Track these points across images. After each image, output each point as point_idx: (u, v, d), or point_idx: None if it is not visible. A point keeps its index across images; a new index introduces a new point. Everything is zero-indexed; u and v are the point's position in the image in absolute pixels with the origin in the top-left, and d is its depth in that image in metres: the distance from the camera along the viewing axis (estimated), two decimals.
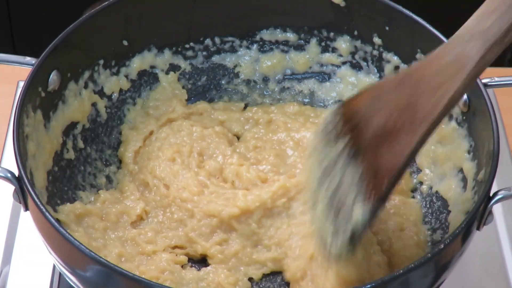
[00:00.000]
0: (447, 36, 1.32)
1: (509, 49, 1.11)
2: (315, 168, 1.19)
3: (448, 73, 1.08)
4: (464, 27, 1.09)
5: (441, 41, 1.32)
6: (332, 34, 1.50)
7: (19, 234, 1.41)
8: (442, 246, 1.10)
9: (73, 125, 1.40)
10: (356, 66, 1.51)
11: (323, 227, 1.17)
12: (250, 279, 1.32)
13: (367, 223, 1.12)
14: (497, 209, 1.46)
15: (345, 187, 1.14)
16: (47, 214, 1.11)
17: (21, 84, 1.26)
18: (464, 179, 1.30)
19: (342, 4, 1.45)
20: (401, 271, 1.07)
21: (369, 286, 1.06)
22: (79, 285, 1.16)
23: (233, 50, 1.54)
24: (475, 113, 1.29)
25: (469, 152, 1.31)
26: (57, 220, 1.14)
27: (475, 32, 1.07)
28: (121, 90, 1.49)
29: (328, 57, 1.52)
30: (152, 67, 1.51)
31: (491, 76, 1.32)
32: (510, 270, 1.39)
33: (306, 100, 1.55)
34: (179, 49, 1.52)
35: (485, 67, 1.07)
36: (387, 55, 1.46)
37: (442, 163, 1.38)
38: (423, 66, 1.12)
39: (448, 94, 1.08)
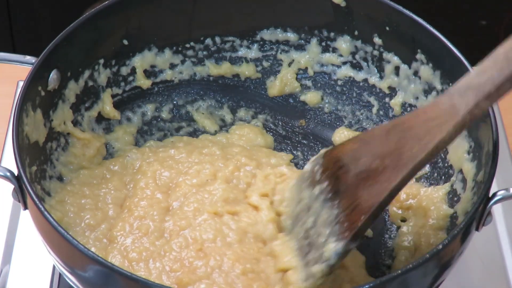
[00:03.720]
0: (447, 37, 1.32)
1: None
2: (292, 207, 1.24)
3: (436, 122, 1.10)
4: (463, 80, 1.10)
5: (441, 41, 1.32)
6: (332, 34, 1.50)
7: (19, 233, 1.41)
8: (440, 246, 1.10)
9: None
10: (356, 66, 1.51)
11: (294, 260, 1.20)
12: None
13: (339, 259, 1.14)
14: (497, 210, 1.45)
15: (319, 226, 1.17)
16: (46, 213, 1.11)
17: (21, 84, 1.26)
18: (464, 180, 1.30)
19: (343, 4, 1.45)
20: (400, 271, 1.07)
21: (367, 286, 1.06)
22: (79, 285, 1.16)
23: (233, 49, 1.54)
24: None
25: (468, 153, 1.30)
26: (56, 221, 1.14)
27: (471, 86, 1.07)
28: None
29: (328, 57, 1.52)
30: (153, 66, 1.51)
31: None
32: (510, 270, 1.39)
33: None
34: (180, 48, 1.52)
35: (472, 120, 1.08)
36: (387, 55, 1.45)
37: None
38: (414, 115, 1.14)
39: (433, 142, 1.09)
